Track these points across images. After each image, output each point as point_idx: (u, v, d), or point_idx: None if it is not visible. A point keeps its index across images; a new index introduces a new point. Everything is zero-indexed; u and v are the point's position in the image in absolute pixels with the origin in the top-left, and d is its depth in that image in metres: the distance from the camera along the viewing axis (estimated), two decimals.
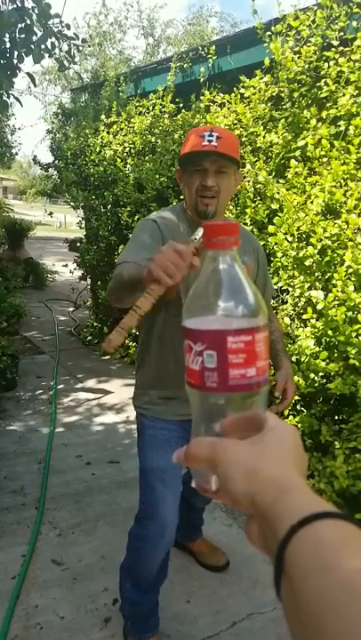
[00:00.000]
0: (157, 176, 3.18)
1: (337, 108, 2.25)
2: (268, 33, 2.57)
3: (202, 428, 0.34)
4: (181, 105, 3.47)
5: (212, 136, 1.02)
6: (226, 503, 0.31)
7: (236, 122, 2.80)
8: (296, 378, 1.88)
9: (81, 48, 3.12)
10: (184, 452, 0.33)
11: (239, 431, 0.32)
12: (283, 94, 2.55)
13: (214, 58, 3.39)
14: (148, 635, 1.27)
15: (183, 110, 3.38)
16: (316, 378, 1.86)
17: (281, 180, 2.35)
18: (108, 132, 3.95)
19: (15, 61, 2.74)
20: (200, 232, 0.37)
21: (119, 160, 3.69)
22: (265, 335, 0.34)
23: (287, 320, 2.11)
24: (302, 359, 1.89)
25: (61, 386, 3.22)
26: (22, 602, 1.43)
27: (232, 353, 0.32)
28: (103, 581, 1.52)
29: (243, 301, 0.33)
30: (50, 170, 4.78)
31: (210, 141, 1.02)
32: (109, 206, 3.69)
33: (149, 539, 1.16)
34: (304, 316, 1.95)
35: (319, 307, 1.84)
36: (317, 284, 1.99)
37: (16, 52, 2.72)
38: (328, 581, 0.22)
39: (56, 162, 4.44)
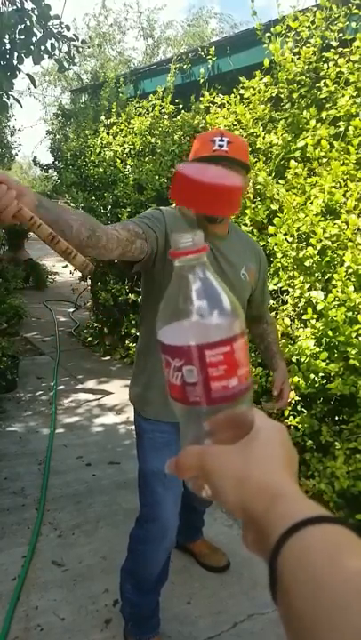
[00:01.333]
0: (157, 177, 3.18)
1: (336, 109, 2.26)
2: (268, 34, 2.57)
3: (189, 438, 0.34)
4: (181, 106, 3.48)
5: (222, 141, 1.01)
6: (224, 509, 0.31)
7: (235, 123, 2.80)
8: (296, 378, 1.88)
9: (81, 49, 3.12)
10: (175, 463, 0.33)
11: (229, 429, 0.32)
12: (282, 95, 2.56)
13: (214, 59, 3.40)
14: (148, 635, 1.27)
15: (183, 111, 3.39)
16: (316, 378, 1.86)
17: (281, 181, 2.35)
18: (107, 133, 3.95)
19: (15, 62, 2.75)
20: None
21: (119, 161, 3.69)
22: (244, 341, 0.33)
23: (287, 320, 2.11)
24: (302, 359, 1.89)
25: (61, 387, 3.22)
26: (22, 603, 1.43)
27: (212, 366, 0.31)
28: (104, 582, 1.52)
29: (217, 311, 0.32)
30: (50, 171, 4.79)
31: (220, 146, 1.01)
32: (109, 207, 3.70)
33: (151, 541, 1.16)
34: (304, 317, 1.95)
35: (319, 307, 1.84)
36: (317, 284, 1.99)
37: (16, 54, 2.72)
38: (320, 587, 0.22)
39: (56, 163, 4.45)
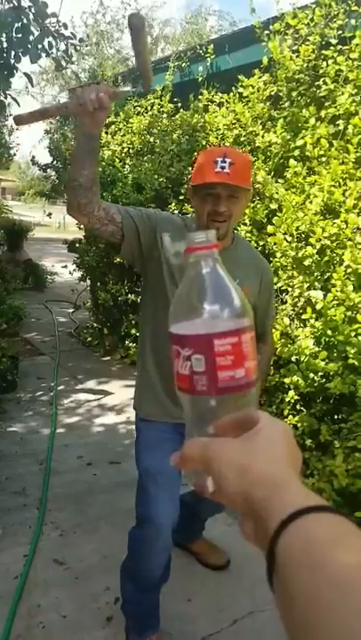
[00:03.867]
0: (156, 176, 3.18)
1: (336, 107, 2.25)
2: (267, 32, 2.56)
3: (195, 431, 0.34)
4: (180, 104, 3.47)
5: (225, 162, 1.02)
6: (224, 503, 0.31)
7: (234, 121, 2.80)
8: (296, 377, 1.89)
9: (78, 47, 3.11)
10: (179, 455, 0.33)
11: (233, 432, 0.32)
12: (281, 93, 2.55)
13: (213, 57, 3.39)
14: (149, 632, 1.28)
15: (182, 110, 3.38)
16: (315, 377, 1.86)
17: (280, 180, 2.35)
18: (106, 133, 3.94)
19: (12, 61, 2.73)
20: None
21: (118, 160, 3.68)
22: (251, 336, 0.34)
23: (287, 320, 2.11)
24: (302, 359, 1.89)
25: (62, 387, 3.23)
26: (25, 601, 1.44)
27: (219, 355, 0.32)
28: (105, 580, 1.53)
29: (227, 303, 0.33)
30: (48, 170, 4.77)
31: (223, 168, 1.01)
32: None
33: (146, 541, 1.16)
34: (303, 316, 1.95)
35: (318, 306, 1.85)
36: (317, 283, 2.00)
37: (13, 52, 2.71)
38: (317, 575, 0.22)
39: (55, 162, 4.43)
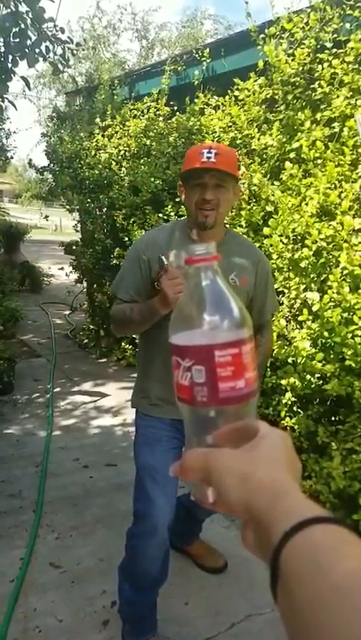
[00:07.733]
0: (152, 179, 3.18)
1: (331, 110, 2.27)
2: (262, 35, 2.58)
3: (195, 441, 0.34)
4: (176, 108, 3.49)
5: (210, 153, 1.08)
6: (224, 512, 0.31)
7: (230, 124, 2.81)
8: (292, 379, 1.89)
9: (75, 52, 3.12)
10: (179, 465, 0.33)
11: (232, 442, 0.32)
12: (277, 96, 2.57)
13: (208, 61, 3.41)
14: (146, 636, 1.27)
15: (178, 113, 3.39)
16: (312, 379, 1.87)
17: (276, 182, 2.36)
18: (102, 136, 3.95)
19: (10, 65, 2.74)
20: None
21: (114, 163, 3.69)
22: (251, 346, 0.34)
23: (283, 322, 2.12)
24: (298, 360, 1.90)
25: (58, 389, 3.22)
26: (21, 605, 1.43)
27: (220, 367, 0.32)
28: (101, 584, 1.52)
29: (227, 315, 0.33)
30: (45, 173, 4.78)
31: (208, 158, 1.07)
32: (105, 209, 3.70)
33: (142, 537, 1.17)
34: (300, 318, 1.96)
35: (315, 308, 1.85)
36: (313, 285, 2.00)
37: (10, 56, 2.72)
38: (321, 584, 0.23)
39: (51, 165, 4.44)
